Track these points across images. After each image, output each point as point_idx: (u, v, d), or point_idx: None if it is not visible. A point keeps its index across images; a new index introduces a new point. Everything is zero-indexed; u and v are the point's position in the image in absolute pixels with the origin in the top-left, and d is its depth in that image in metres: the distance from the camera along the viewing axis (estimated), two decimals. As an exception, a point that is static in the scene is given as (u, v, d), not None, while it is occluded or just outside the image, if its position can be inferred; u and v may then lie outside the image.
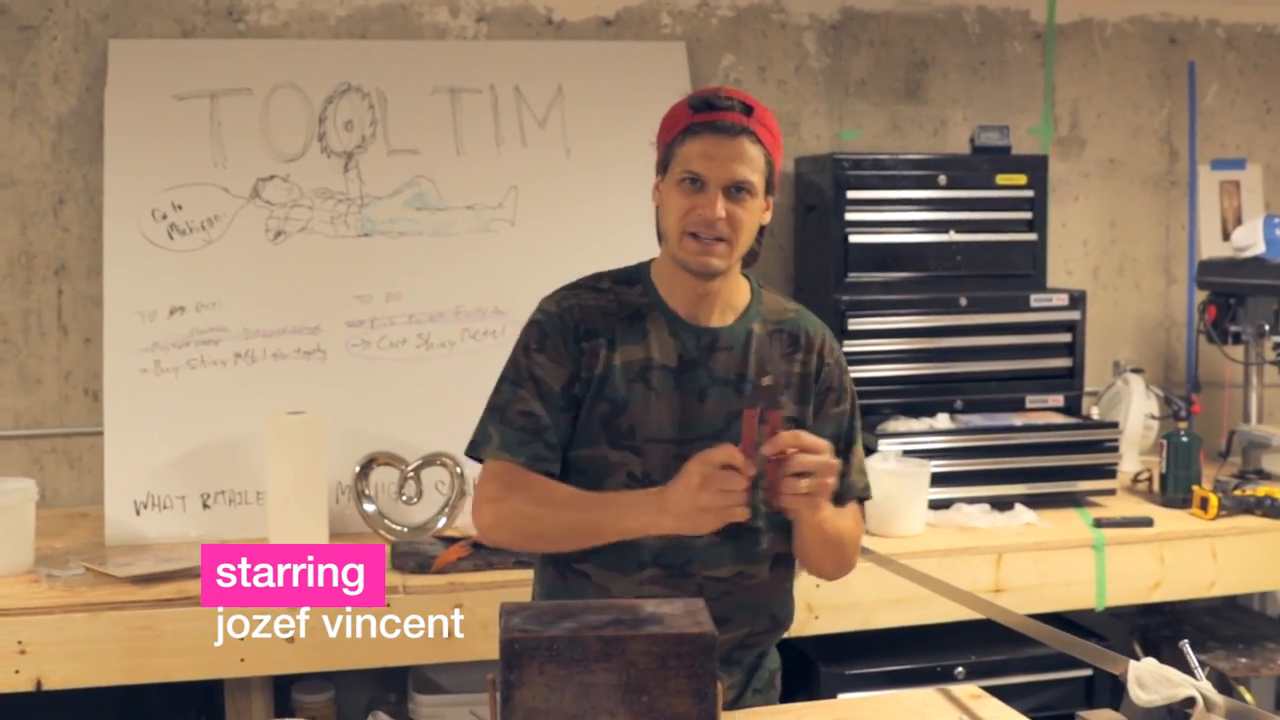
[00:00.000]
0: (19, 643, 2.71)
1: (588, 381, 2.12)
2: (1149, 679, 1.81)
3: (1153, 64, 4.28)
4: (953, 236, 3.68)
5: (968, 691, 2.28)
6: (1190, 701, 1.77)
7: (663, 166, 2.12)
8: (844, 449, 2.24)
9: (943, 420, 3.59)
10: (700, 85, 3.89)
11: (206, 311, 3.42)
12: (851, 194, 3.62)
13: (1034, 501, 3.48)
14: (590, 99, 3.74)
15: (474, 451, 2.15)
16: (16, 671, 2.72)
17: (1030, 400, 3.72)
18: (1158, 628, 3.70)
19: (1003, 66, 4.13)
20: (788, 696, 2.40)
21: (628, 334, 2.14)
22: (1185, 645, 1.94)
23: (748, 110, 2.06)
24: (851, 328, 3.58)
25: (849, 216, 3.62)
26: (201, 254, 3.44)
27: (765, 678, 2.27)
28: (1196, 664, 1.91)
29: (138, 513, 3.27)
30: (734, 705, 2.19)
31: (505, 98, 3.70)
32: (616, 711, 1.56)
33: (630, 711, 1.56)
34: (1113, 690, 3.28)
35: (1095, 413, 3.83)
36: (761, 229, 2.15)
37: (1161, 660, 2.68)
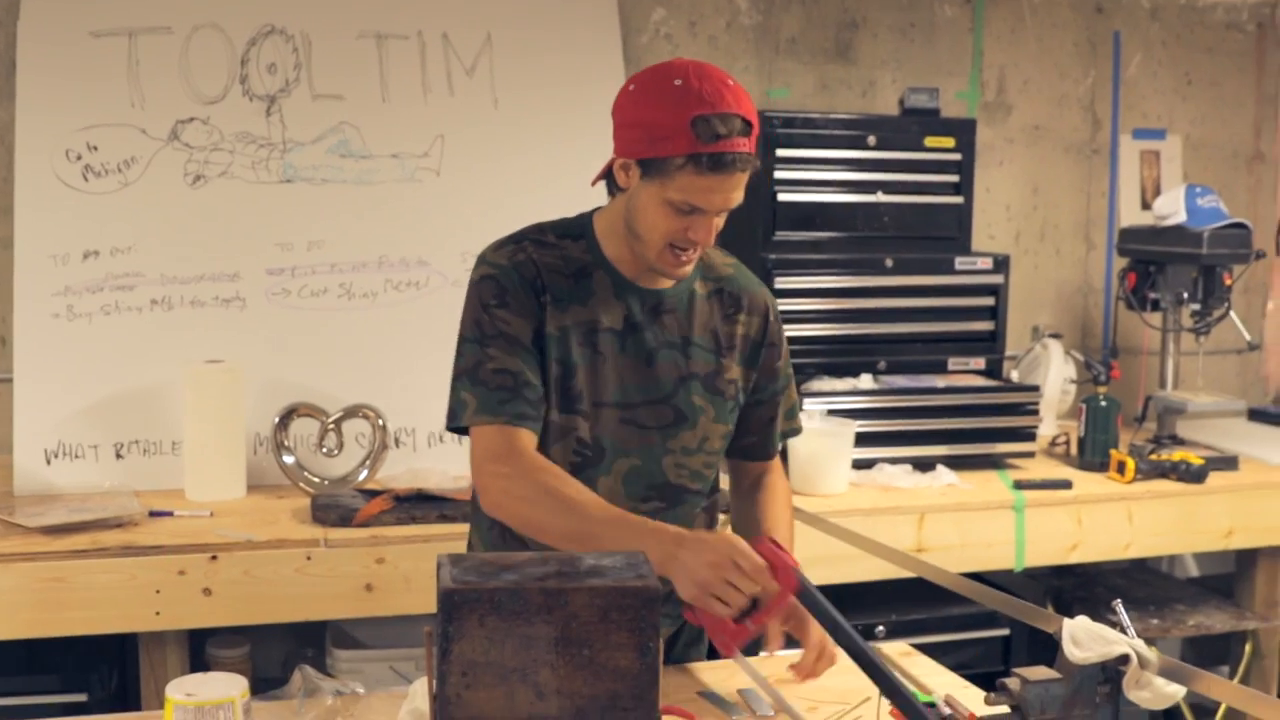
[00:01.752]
0: (-76, 593, 2.64)
1: (543, 337, 2.04)
2: (1084, 637, 1.81)
3: (1079, 32, 4.30)
4: (880, 198, 3.68)
5: (898, 649, 2.30)
6: (1124, 659, 1.78)
7: (648, 169, 1.95)
8: (780, 397, 2.25)
9: (866, 381, 3.60)
10: (631, 39, 3.85)
11: (122, 256, 3.32)
12: (781, 152, 3.60)
13: (954, 463, 3.50)
14: (520, 49, 3.68)
15: (453, 423, 2.05)
16: (-79, 623, 2.64)
17: (952, 363, 3.74)
18: (1071, 589, 3.76)
19: (932, 30, 4.13)
20: (711, 653, 2.39)
21: (574, 293, 2.06)
22: (1118, 604, 1.95)
23: (748, 130, 1.92)
24: (778, 286, 3.56)
25: (778, 175, 3.60)
26: (117, 197, 3.34)
27: (695, 630, 2.27)
28: (1129, 623, 1.92)
29: (48, 462, 3.18)
30: (666, 658, 2.19)
31: (433, 45, 3.62)
32: (557, 664, 1.53)
33: (572, 664, 1.53)
34: (1029, 649, 3.33)
35: (1015, 376, 3.87)
36: None
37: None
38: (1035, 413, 3.61)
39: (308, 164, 3.47)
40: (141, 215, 3.34)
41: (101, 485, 3.14)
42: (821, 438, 3.29)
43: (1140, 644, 1.80)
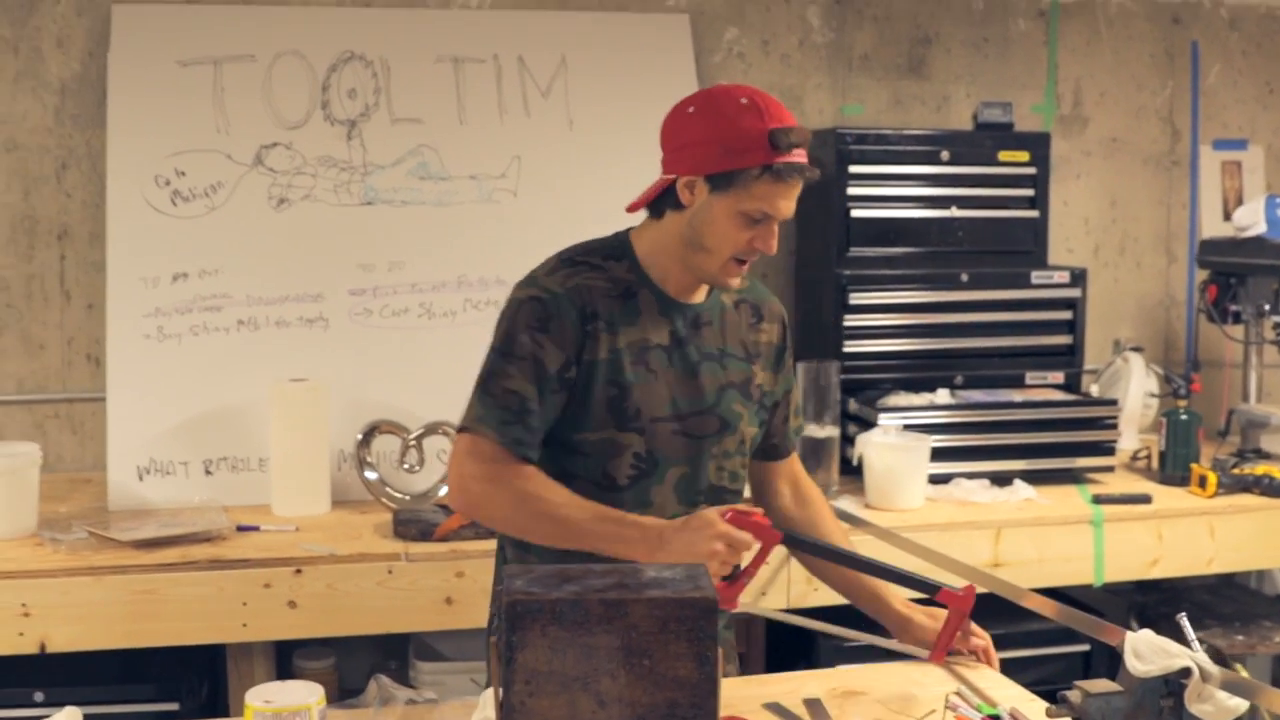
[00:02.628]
0: (23, 605, 2.73)
1: (589, 364, 2.09)
2: (1146, 650, 1.82)
3: (1156, 44, 4.27)
4: (954, 213, 3.69)
5: (965, 662, 2.30)
6: (1186, 672, 1.78)
7: (721, 183, 2.05)
8: (789, 398, 2.37)
9: (943, 395, 3.60)
10: (704, 59, 3.90)
11: (209, 278, 3.42)
12: (854, 169, 3.63)
13: (1033, 478, 3.49)
14: (594, 70, 3.75)
15: (463, 424, 2.11)
16: (21, 634, 2.74)
17: (1030, 377, 3.74)
18: (1155, 605, 3.72)
19: (1006, 44, 4.13)
20: (786, 667, 2.42)
21: (623, 314, 2.13)
22: (1182, 618, 1.95)
23: (807, 143, 2.07)
24: (852, 302, 3.59)
25: (851, 191, 3.63)
26: (204, 220, 3.45)
27: (730, 641, 2.38)
28: (1193, 636, 1.92)
29: (140, 478, 3.28)
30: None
31: (509, 67, 3.70)
32: (618, 674, 1.57)
33: (632, 674, 1.57)
34: (1110, 665, 3.31)
35: (1094, 390, 3.84)
36: None
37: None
38: (1114, 427, 3.59)
39: (388, 186, 3.56)
40: (228, 238, 3.45)
41: (191, 501, 3.24)
42: (897, 453, 3.30)
43: (1203, 657, 1.80)
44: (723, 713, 1.98)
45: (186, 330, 3.38)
